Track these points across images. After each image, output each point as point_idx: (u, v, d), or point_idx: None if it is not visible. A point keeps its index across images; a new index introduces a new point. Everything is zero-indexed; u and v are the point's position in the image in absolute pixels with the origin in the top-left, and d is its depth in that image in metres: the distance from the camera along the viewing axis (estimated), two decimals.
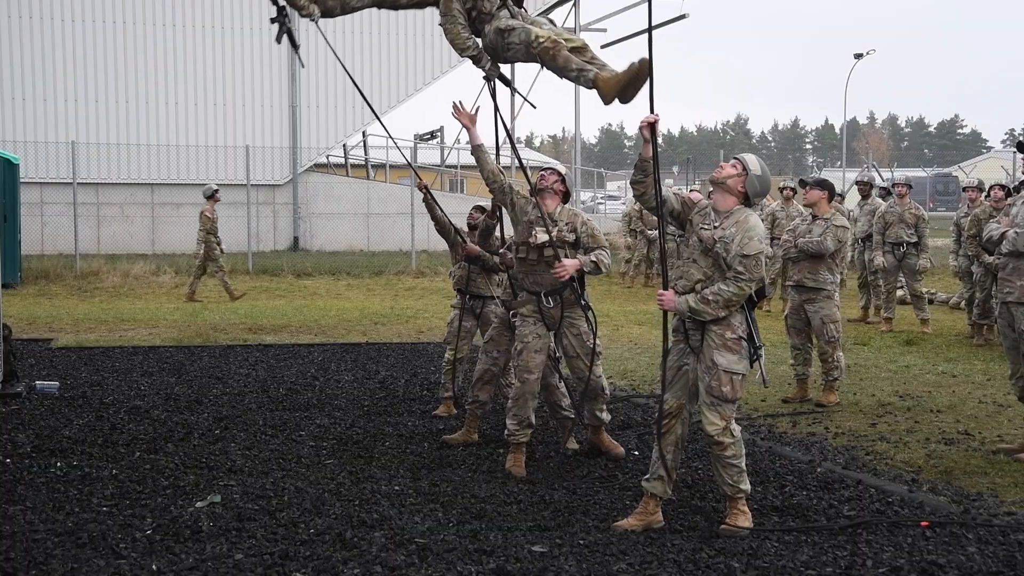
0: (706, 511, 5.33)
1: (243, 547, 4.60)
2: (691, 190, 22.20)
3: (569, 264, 6.05)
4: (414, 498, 5.49)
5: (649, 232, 17.78)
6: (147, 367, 9.96)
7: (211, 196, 16.53)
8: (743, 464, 5.11)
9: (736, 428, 5.09)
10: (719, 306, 4.97)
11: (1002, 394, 8.43)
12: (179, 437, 6.91)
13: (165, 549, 4.57)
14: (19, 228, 18.55)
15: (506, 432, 6.36)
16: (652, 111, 5.07)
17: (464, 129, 6.43)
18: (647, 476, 5.18)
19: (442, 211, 7.78)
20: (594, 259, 6.24)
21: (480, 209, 7.91)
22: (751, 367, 5.10)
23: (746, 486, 5.10)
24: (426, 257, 21.23)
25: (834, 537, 4.94)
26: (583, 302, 6.32)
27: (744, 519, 5.06)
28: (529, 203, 6.36)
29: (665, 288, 5.14)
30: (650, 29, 5.56)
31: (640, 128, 5.11)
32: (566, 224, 6.34)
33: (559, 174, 6.51)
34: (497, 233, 7.48)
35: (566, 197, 6.53)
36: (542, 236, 6.22)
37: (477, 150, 6.41)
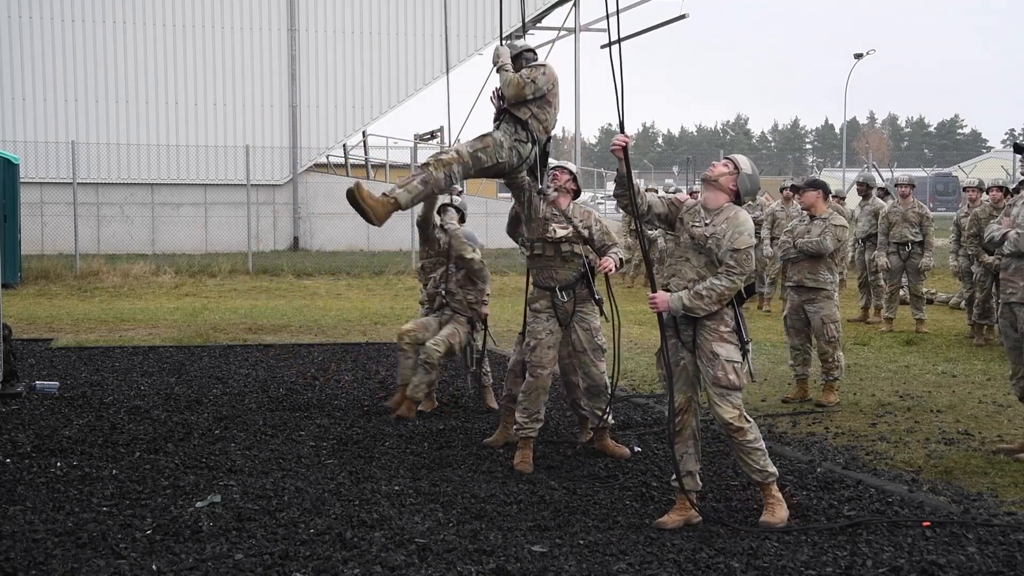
0: (706, 511, 5.33)
1: (243, 547, 4.60)
2: (691, 191, 22.20)
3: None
4: (414, 498, 5.50)
5: (650, 232, 17.77)
6: (147, 367, 9.96)
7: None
8: (764, 447, 5.21)
9: (747, 414, 5.21)
10: (712, 300, 5.08)
11: (1002, 394, 8.43)
12: (179, 437, 6.91)
13: (165, 549, 4.57)
14: (19, 228, 18.54)
15: (515, 426, 6.42)
16: (623, 132, 5.28)
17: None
18: (674, 476, 5.25)
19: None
20: (613, 258, 6.34)
21: (444, 208, 8.10)
22: (742, 360, 5.19)
23: (773, 468, 5.20)
24: None
25: (834, 537, 4.94)
26: (596, 297, 6.47)
27: (781, 509, 5.11)
28: (544, 200, 6.43)
29: (654, 291, 5.24)
30: (611, 42, 5.54)
31: (612, 150, 5.31)
32: (580, 222, 6.49)
33: (571, 172, 6.62)
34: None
35: (576, 194, 6.66)
36: (560, 231, 6.37)
37: None
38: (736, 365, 5.12)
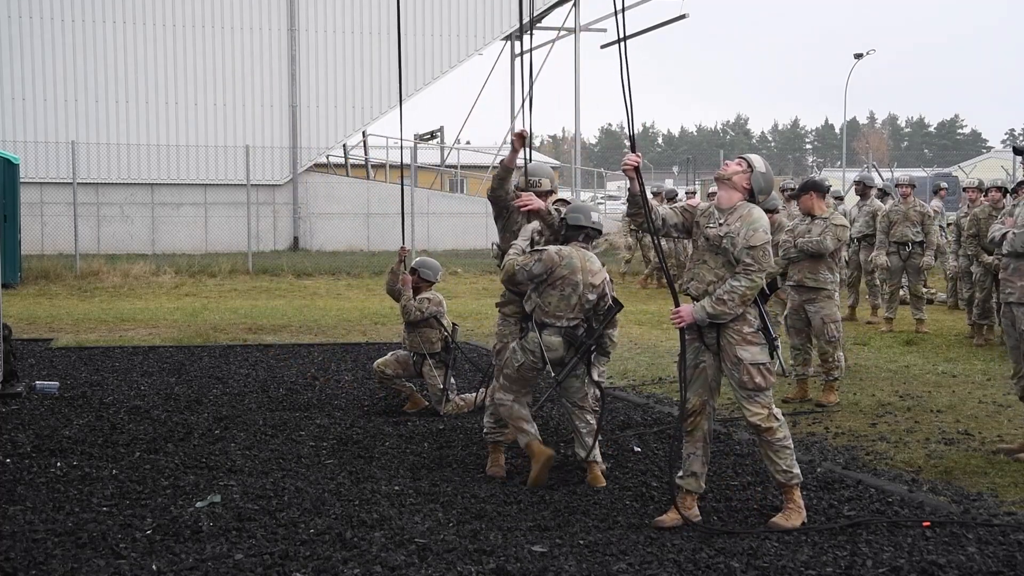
0: (706, 511, 5.33)
1: (243, 547, 4.60)
2: (688, 192, 22.23)
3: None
4: (414, 498, 5.50)
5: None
6: (147, 367, 9.96)
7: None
8: (792, 447, 5.21)
9: (778, 412, 5.21)
10: (736, 303, 5.06)
11: (1002, 394, 8.43)
12: (179, 437, 6.91)
13: (165, 549, 4.57)
14: (19, 228, 18.54)
15: (484, 431, 6.36)
16: (634, 150, 5.24)
17: (513, 147, 6.38)
18: (680, 474, 5.26)
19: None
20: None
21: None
22: (771, 358, 5.18)
23: (798, 471, 5.20)
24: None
25: (834, 537, 4.94)
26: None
27: (797, 517, 5.10)
28: (520, 212, 6.39)
29: (676, 305, 5.20)
30: (620, 57, 5.52)
31: (623, 169, 5.28)
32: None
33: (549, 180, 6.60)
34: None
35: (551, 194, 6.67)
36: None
37: (508, 172, 6.37)
38: (762, 366, 5.12)
